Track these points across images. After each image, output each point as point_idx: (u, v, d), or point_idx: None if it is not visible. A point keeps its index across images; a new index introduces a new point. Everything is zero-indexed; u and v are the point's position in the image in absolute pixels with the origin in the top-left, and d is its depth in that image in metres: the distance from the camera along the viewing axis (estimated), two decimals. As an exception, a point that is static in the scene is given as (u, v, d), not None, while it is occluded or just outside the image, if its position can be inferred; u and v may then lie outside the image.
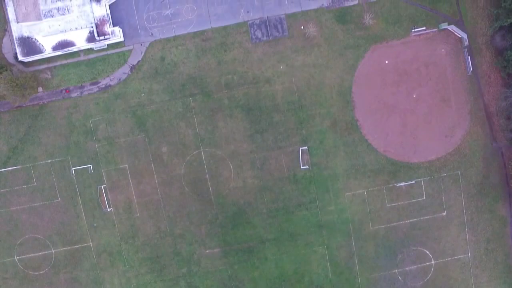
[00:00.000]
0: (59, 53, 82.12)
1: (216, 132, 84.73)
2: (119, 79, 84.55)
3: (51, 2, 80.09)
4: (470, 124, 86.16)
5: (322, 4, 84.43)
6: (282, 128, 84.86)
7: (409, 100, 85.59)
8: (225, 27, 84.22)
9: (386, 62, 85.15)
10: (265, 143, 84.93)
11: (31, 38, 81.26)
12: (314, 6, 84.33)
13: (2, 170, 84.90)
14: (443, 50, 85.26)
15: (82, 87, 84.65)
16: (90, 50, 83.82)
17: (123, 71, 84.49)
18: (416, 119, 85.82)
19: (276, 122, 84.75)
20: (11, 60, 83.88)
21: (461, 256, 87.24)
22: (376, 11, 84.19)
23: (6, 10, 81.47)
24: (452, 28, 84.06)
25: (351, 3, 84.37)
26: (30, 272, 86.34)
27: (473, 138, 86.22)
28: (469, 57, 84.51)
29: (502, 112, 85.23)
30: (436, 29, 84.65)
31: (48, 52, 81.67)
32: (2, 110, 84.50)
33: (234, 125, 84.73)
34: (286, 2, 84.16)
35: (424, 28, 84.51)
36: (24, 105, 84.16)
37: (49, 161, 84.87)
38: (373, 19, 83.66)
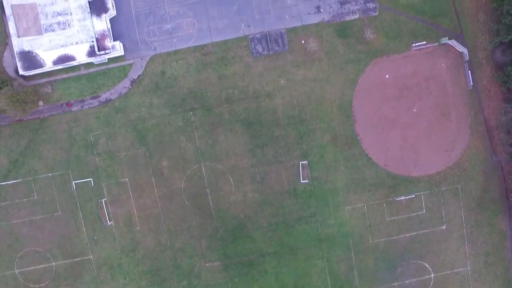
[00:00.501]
0: (59, 67, 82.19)
1: (217, 146, 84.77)
2: (120, 93, 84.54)
3: (52, 16, 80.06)
4: (470, 138, 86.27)
5: (323, 19, 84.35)
6: (283, 142, 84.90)
7: (409, 114, 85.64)
8: (225, 41, 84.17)
9: (387, 76, 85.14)
10: (265, 157, 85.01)
11: (32, 53, 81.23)
12: (314, 20, 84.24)
13: (2, 183, 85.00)
14: (443, 64, 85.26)
15: (82, 101, 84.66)
16: (90, 64, 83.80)
17: (123, 85, 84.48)
18: (417, 133, 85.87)
19: (277, 136, 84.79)
20: (11, 74, 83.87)
21: (461, 269, 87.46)
22: (376, 25, 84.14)
23: (7, 25, 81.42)
24: (453, 42, 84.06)
25: (352, 18, 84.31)
26: (31, 285, 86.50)
27: (473, 152, 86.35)
28: (469, 71, 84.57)
29: (502, 127, 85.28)
30: (437, 43, 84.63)
31: (48, 66, 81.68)
32: (3, 123, 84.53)
33: (234, 139, 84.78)
34: (287, 17, 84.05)
35: (425, 42, 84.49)
36: (24, 119, 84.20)
37: (50, 174, 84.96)
38: (374, 33, 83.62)
